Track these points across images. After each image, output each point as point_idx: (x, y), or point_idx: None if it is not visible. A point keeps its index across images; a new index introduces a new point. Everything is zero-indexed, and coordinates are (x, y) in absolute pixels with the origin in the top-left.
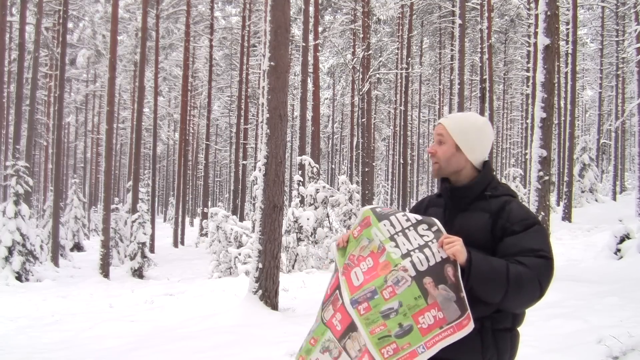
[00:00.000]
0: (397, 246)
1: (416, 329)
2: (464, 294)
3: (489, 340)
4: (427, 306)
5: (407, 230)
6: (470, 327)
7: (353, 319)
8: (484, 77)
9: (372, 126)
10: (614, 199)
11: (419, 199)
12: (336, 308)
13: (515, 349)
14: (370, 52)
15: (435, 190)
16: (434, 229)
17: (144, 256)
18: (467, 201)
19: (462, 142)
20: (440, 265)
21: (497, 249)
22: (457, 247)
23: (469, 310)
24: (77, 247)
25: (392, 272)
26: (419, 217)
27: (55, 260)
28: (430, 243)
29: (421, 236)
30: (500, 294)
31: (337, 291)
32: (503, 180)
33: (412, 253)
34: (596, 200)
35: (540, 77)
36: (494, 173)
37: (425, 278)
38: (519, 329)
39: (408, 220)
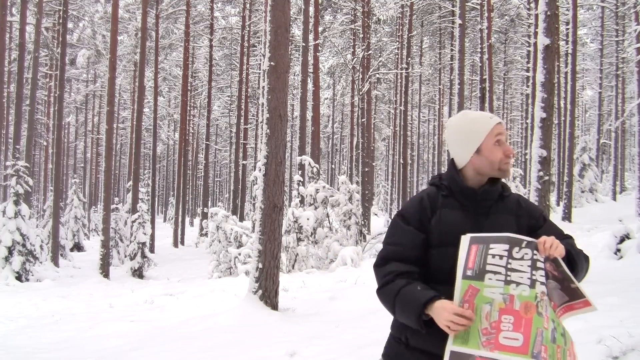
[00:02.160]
0: (518, 284)
1: (562, 326)
2: (575, 284)
3: None
4: (553, 304)
5: (509, 265)
6: (593, 307)
7: None
8: (484, 77)
9: (372, 126)
10: (614, 199)
11: None
12: None
13: None
14: (370, 52)
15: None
16: (524, 244)
17: (144, 256)
18: (489, 204)
19: None
20: (544, 268)
21: None
22: (561, 248)
23: (585, 295)
24: (77, 247)
25: (538, 304)
26: (506, 247)
27: (55, 260)
28: (534, 256)
29: (522, 258)
30: (585, 269)
31: None
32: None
33: (534, 277)
34: (596, 200)
35: (540, 77)
36: None
37: (549, 285)
38: None
39: (501, 257)
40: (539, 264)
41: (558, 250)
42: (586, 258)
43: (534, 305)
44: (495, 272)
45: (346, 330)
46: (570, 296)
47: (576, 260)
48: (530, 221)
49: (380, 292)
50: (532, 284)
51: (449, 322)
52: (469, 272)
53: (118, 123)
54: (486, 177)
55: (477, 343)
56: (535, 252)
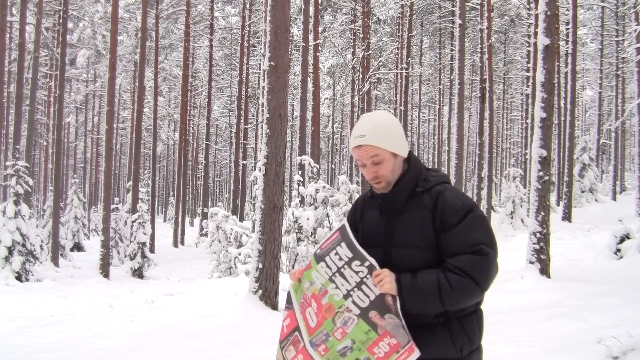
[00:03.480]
0: (337, 287)
1: (373, 359)
2: (404, 322)
3: (457, 330)
4: (379, 337)
5: (342, 270)
6: (416, 353)
7: None
8: (484, 77)
9: None
10: (614, 199)
11: None
12: (298, 349)
13: (482, 328)
14: (370, 52)
15: None
16: (367, 264)
17: (144, 256)
18: (401, 202)
19: (395, 147)
20: (380, 297)
21: (439, 244)
22: (386, 286)
23: (411, 339)
24: (77, 247)
25: (337, 314)
26: (350, 255)
27: (55, 260)
28: (365, 279)
29: (356, 272)
30: (437, 308)
31: (297, 332)
32: (503, 181)
33: (352, 293)
34: (596, 200)
35: (540, 77)
36: (420, 162)
37: (370, 312)
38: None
39: (341, 259)
40: (365, 288)
41: (383, 287)
42: (466, 288)
43: (334, 312)
44: (328, 266)
45: None
46: (408, 336)
47: (411, 301)
48: (442, 218)
49: None
50: (346, 297)
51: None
52: (318, 251)
53: (118, 123)
54: (397, 176)
55: (299, 301)
56: (368, 276)
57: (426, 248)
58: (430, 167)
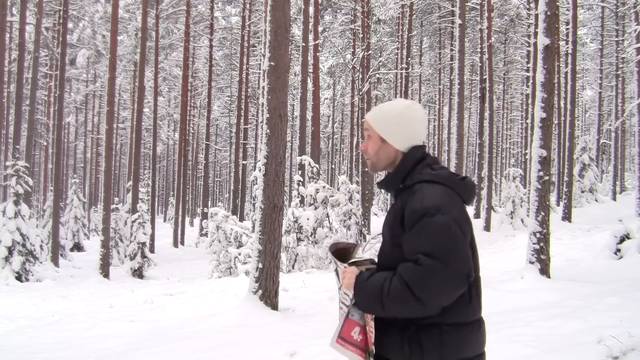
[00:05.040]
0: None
1: None
2: (343, 319)
3: (409, 336)
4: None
5: (337, 270)
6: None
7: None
8: (484, 77)
9: None
10: (614, 199)
11: None
12: None
13: (448, 348)
14: (370, 52)
15: None
16: (343, 266)
17: (144, 256)
18: (393, 194)
19: (384, 132)
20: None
21: None
22: (345, 281)
23: (336, 335)
24: (77, 247)
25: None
26: (330, 256)
27: (55, 260)
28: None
29: (336, 273)
30: (381, 312)
31: None
32: (503, 181)
33: (339, 289)
34: (596, 200)
35: (540, 77)
36: (422, 158)
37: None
38: (468, 322)
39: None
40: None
41: (344, 283)
42: (402, 296)
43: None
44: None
45: None
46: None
47: (360, 299)
48: (405, 219)
49: None
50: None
51: None
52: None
53: (118, 123)
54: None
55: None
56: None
57: (396, 245)
58: (434, 164)
